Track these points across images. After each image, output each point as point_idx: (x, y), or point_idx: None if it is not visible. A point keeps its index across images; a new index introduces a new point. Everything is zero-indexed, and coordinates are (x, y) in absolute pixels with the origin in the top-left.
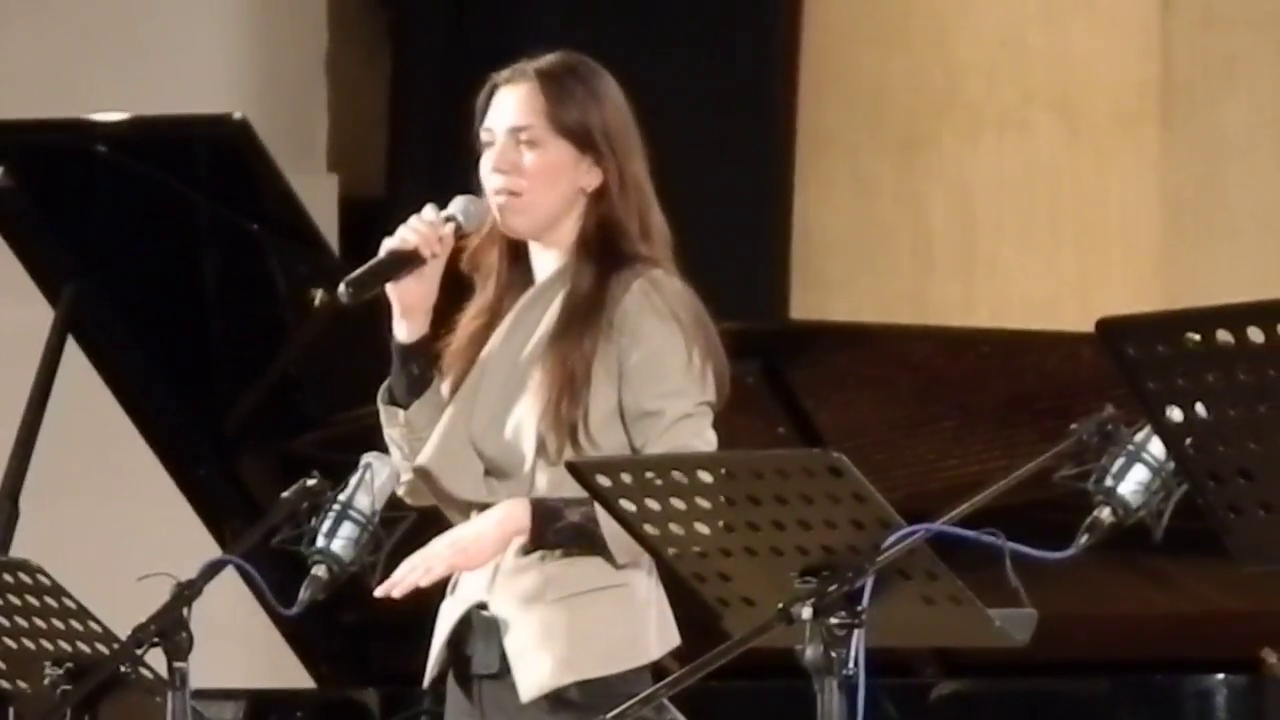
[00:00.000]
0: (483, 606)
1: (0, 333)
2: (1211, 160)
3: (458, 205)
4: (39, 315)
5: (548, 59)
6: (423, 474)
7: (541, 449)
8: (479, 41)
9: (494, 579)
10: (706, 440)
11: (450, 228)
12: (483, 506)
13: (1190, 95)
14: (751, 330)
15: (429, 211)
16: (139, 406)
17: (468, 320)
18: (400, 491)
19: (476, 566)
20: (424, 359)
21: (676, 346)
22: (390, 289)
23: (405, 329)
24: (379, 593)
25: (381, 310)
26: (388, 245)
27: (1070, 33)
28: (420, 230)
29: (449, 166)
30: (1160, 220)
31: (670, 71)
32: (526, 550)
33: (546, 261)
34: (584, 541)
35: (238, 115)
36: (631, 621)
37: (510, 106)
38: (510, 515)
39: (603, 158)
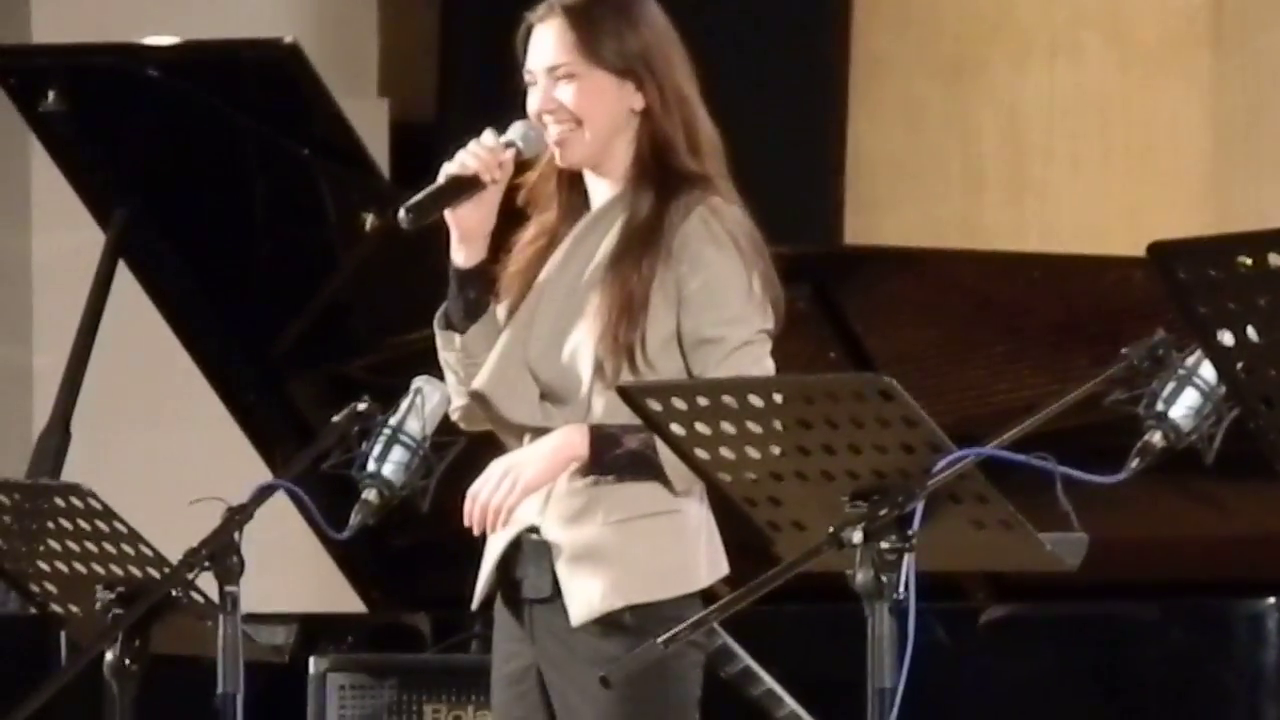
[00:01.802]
0: (533, 530)
1: (51, 257)
2: (1263, 85)
3: (517, 131)
4: (90, 240)
5: None
6: (478, 398)
7: (598, 372)
8: None
9: (546, 503)
10: (765, 368)
11: (510, 153)
12: (538, 431)
13: (1241, 20)
14: (802, 254)
15: (488, 136)
16: (189, 331)
17: (525, 244)
18: (455, 417)
19: (533, 491)
20: (481, 284)
21: (737, 274)
22: (449, 214)
23: (463, 254)
24: (472, 521)
25: (431, 234)
26: (447, 170)
27: None
28: (480, 155)
29: (500, 91)
30: (1211, 145)
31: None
32: (581, 474)
33: (603, 187)
34: (642, 468)
35: (288, 39)
36: (683, 547)
37: (545, 46)
38: (568, 441)
39: (641, 80)
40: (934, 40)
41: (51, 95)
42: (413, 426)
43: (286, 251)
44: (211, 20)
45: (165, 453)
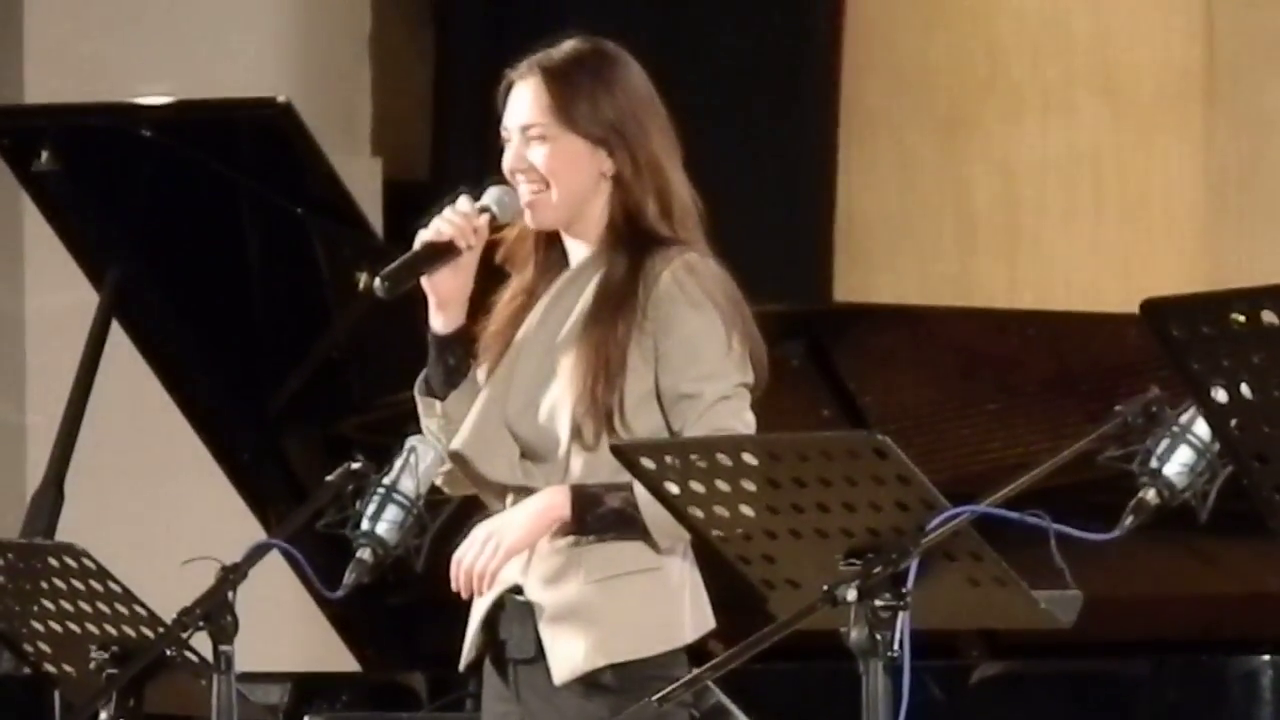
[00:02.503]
0: (517, 591)
1: (45, 317)
2: (1255, 140)
3: (492, 195)
4: (84, 299)
5: (556, 51)
6: (457, 458)
7: (577, 434)
8: (521, 22)
9: (528, 563)
10: (745, 422)
11: (485, 218)
12: (518, 490)
13: (1234, 75)
14: (795, 311)
15: (463, 202)
16: (183, 390)
17: (503, 304)
18: (439, 482)
19: (517, 554)
20: (460, 350)
21: (714, 329)
22: (425, 281)
23: (441, 320)
24: (458, 585)
25: (424, 295)
26: (422, 237)
27: (1113, 13)
28: (455, 221)
29: (493, 149)
30: (1204, 200)
31: (714, 52)
32: (563, 535)
33: (579, 247)
34: (624, 526)
35: (282, 98)
36: (665, 604)
37: (520, 105)
38: (550, 503)
39: (613, 147)
40: (926, 96)
41: (45, 155)
42: (407, 485)
43: (280, 310)
44: (205, 78)
45: (159, 512)
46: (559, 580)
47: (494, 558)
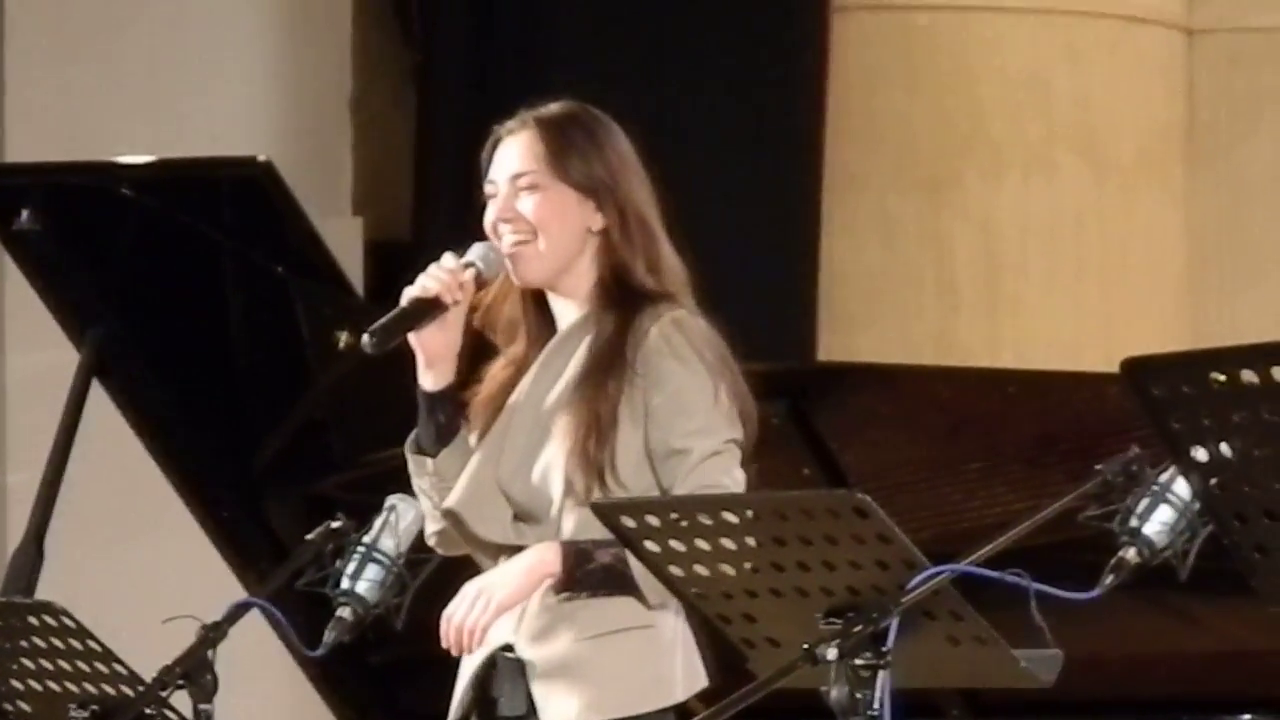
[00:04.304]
0: (508, 648)
1: (25, 376)
2: (1236, 200)
3: (477, 252)
4: (64, 358)
5: (548, 108)
6: (451, 517)
7: (569, 490)
8: (505, 83)
9: (520, 621)
10: (734, 478)
11: (470, 274)
12: (512, 549)
13: (1214, 136)
14: (777, 371)
15: (449, 259)
16: (164, 449)
17: (496, 370)
18: (431, 542)
19: (507, 610)
20: (450, 407)
21: (702, 385)
22: (413, 338)
23: (431, 378)
24: (449, 643)
25: (406, 352)
26: (409, 294)
27: (1095, 74)
28: (440, 278)
29: (475, 209)
30: (1185, 261)
31: (697, 114)
32: (555, 591)
33: (568, 309)
34: (615, 582)
35: (262, 158)
36: (658, 661)
37: (512, 155)
38: (540, 559)
39: (602, 202)
40: (907, 156)
41: (25, 214)
42: (387, 544)
43: (261, 369)
44: (186, 138)
45: (139, 570)
46: (551, 638)
47: (485, 613)
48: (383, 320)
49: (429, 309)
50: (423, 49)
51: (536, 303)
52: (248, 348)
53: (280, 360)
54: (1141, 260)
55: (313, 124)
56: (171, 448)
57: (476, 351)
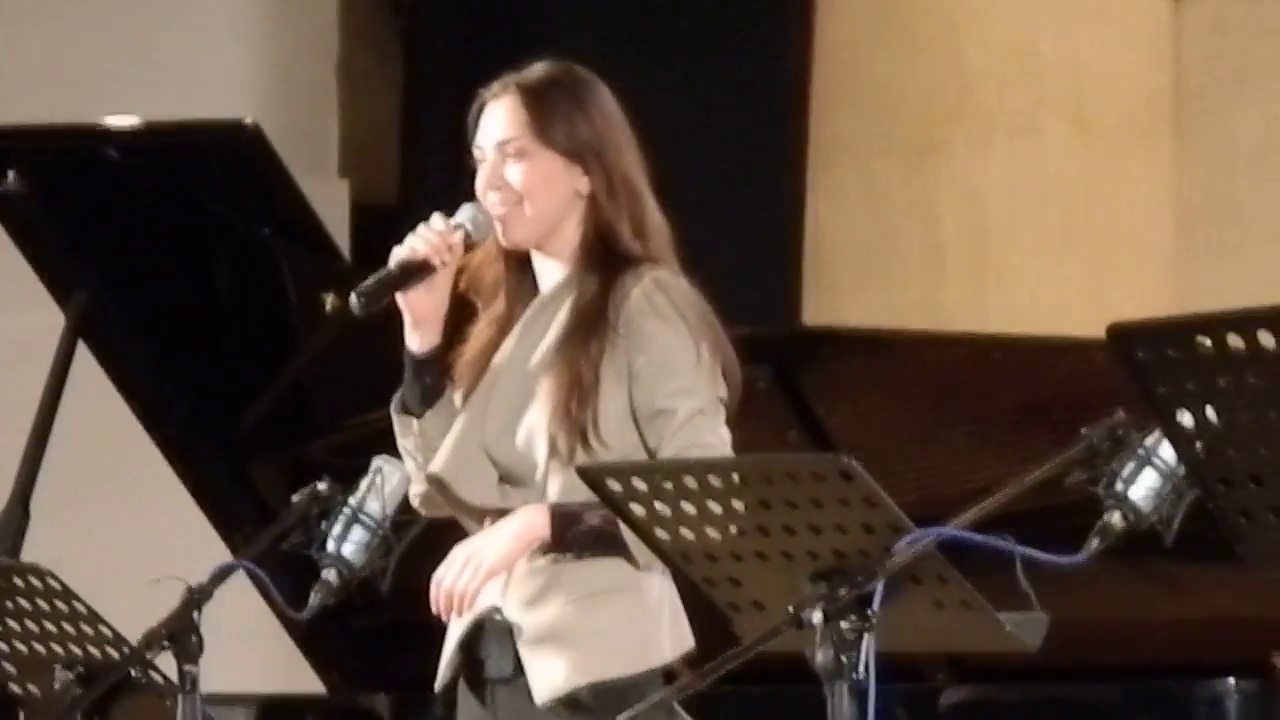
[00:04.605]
0: (496, 611)
1: (11, 338)
2: (1223, 167)
3: (466, 214)
4: (50, 320)
5: (532, 70)
6: (436, 482)
7: (554, 452)
8: (491, 45)
9: (507, 584)
10: (720, 436)
11: (459, 235)
12: (498, 513)
13: (1202, 103)
14: (763, 335)
15: (437, 220)
16: (150, 412)
17: (478, 331)
18: (415, 503)
19: (497, 574)
20: (436, 369)
21: (684, 344)
22: (401, 299)
23: (418, 339)
24: (438, 607)
25: (392, 314)
26: (397, 255)
27: (1082, 41)
28: (429, 239)
29: (462, 171)
30: (1172, 227)
31: (684, 78)
32: (543, 553)
33: (551, 270)
34: (604, 543)
35: (250, 120)
36: (644, 623)
37: (496, 121)
38: (529, 522)
39: (589, 165)
40: (895, 123)
41: (11, 176)
42: (373, 507)
43: (248, 332)
44: (173, 101)
45: (125, 533)
46: (538, 600)
47: (475, 578)
48: (370, 281)
49: (417, 271)
50: (410, 12)
51: (519, 263)
52: (234, 311)
53: (267, 323)
54: (1128, 227)
55: (300, 87)
56: (157, 411)
57: (458, 311)
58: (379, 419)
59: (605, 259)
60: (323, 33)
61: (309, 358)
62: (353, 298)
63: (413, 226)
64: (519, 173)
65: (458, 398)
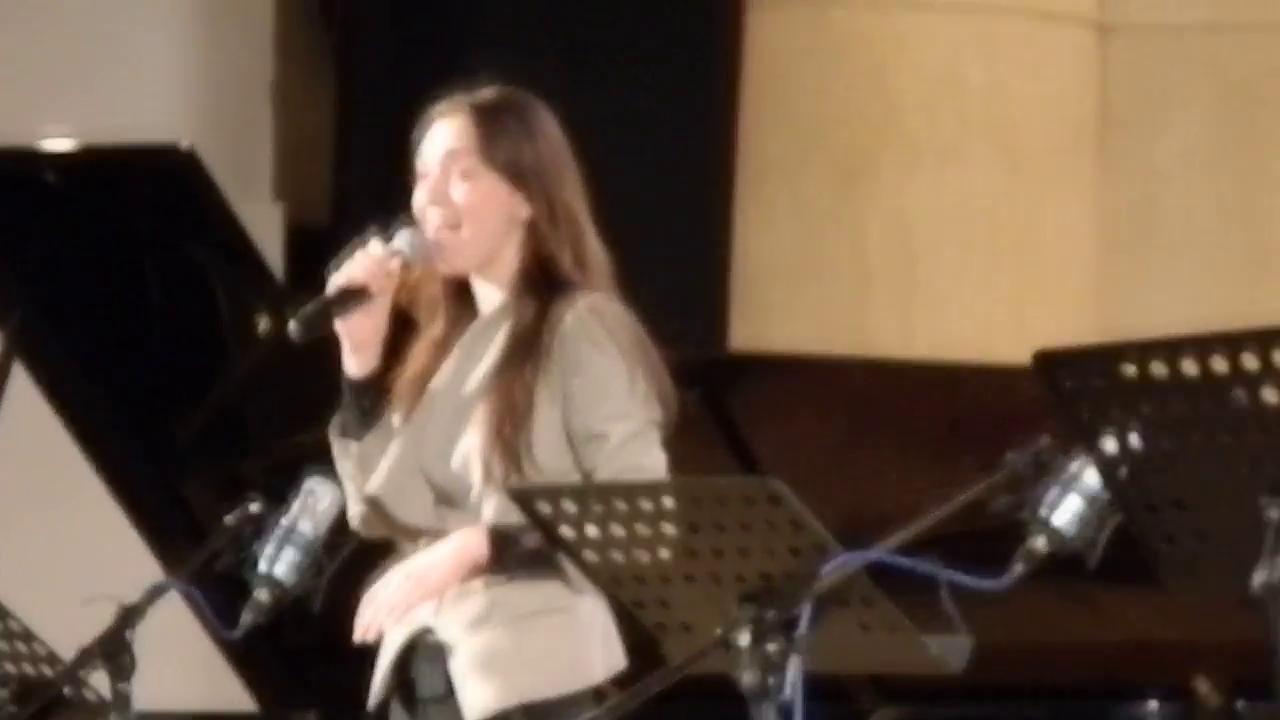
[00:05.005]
0: (428, 631)
1: None
2: (1147, 190)
3: (403, 239)
4: None
5: (483, 93)
6: (373, 503)
7: (488, 474)
8: (423, 69)
9: (440, 604)
10: (655, 459)
11: (397, 262)
12: (434, 534)
13: (1124, 127)
14: (691, 360)
15: (375, 246)
16: (85, 430)
17: (418, 352)
18: (354, 524)
19: (434, 596)
20: (374, 392)
21: (618, 369)
22: (339, 325)
23: (356, 364)
24: (358, 636)
25: (326, 336)
26: (335, 282)
27: (1008, 69)
28: (367, 266)
29: (395, 194)
30: (1095, 249)
31: (612, 100)
32: (475, 574)
33: (490, 294)
34: (542, 565)
35: (185, 144)
36: (576, 644)
37: (445, 137)
38: (466, 543)
39: (532, 192)
40: (823, 147)
41: None
42: (305, 527)
43: (182, 353)
44: (107, 122)
45: (59, 550)
46: (471, 620)
47: (411, 596)
48: (308, 308)
49: (355, 296)
50: (342, 32)
51: (458, 286)
52: (168, 331)
53: (200, 344)
54: (1053, 250)
55: (234, 110)
56: (91, 429)
57: (397, 332)
58: (312, 440)
59: (544, 285)
60: (257, 56)
61: (241, 378)
62: (291, 324)
63: (345, 248)
64: (462, 191)
65: (396, 419)
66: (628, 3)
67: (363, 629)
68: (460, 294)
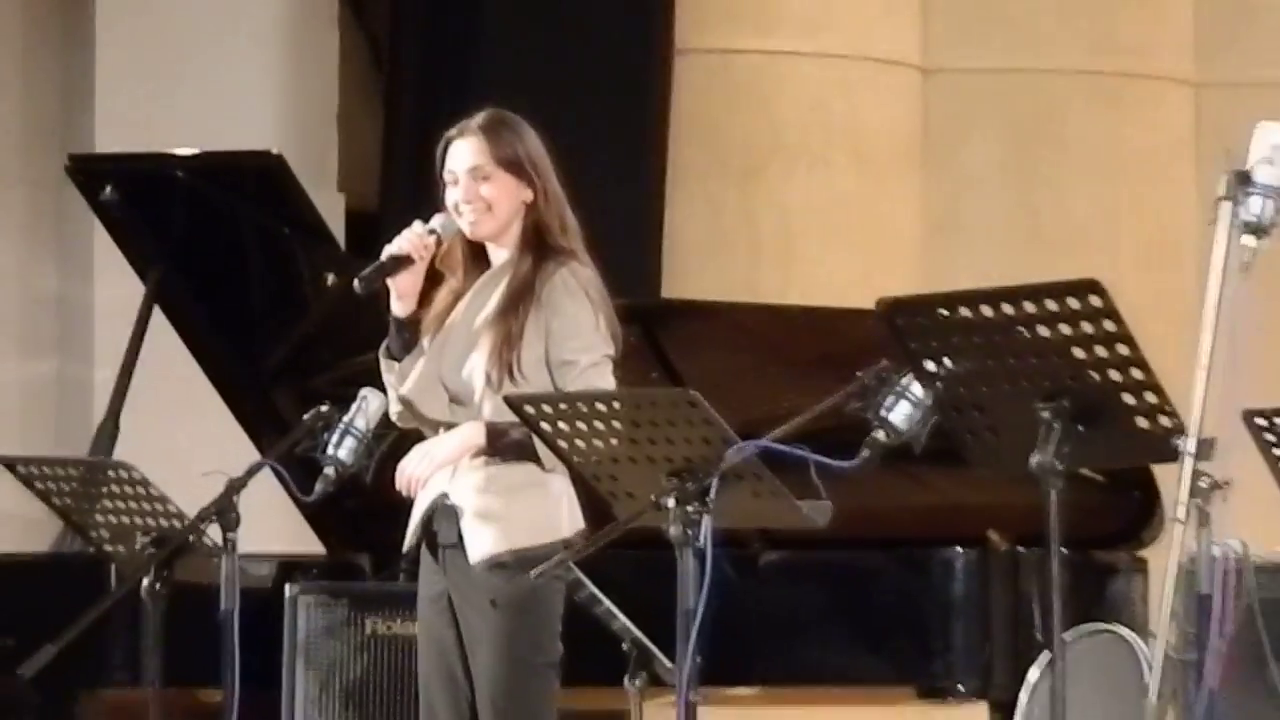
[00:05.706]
0: (445, 496)
1: (108, 302)
2: (958, 189)
3: (438, 221)
4: (135, 288)
5: (483, 116)
6: (405, 402)
7: (488, 382)
8: (444, 99)
9: (454, 477)
10: (608, 381)
11: (433, 238)
12: (448, 425)
13: (941, 141)
14: (634, 304)
15: (417, 226)
16: (204, 357)
17: (441, 296)
18: (394, 418)
19: (443, 466)
20: (412, 327)
21: (587, 315)
22: (390, 282)
23: (400, 308)
24: (401, 487)
25: (372, 294)
26: (387, 250)
27: (860, 99)
28: (411, 240)
29: (424, 189)
30: (922, 232)
31: (580, 119)
32: (477, 456)
33: (499, 253)
34: (523, 452)
35: (275, 150)
36: (549, 508)
37: (465, 153)
38: (469, 433)
39: (531, 180)
40: (727, 156)
41: (108, 189)
42: (360, 423)
43: (274, 302)
44: (221, 132)
45: (186, 440)
46: (475, 489)
47: (427, 467)
48: (368, 270)
49: (402, 262)
50: (388, 72)
51: (474, 249)
52: (264, 286)
53: (287, 295)
54: (892, 233)
55: (310, 125)
56: (209, 356)
57: (427, 285)
58: (365, 361)
59: (538, 248)
60: (327, 86)
61: (316, 319)
62: (355, 282)
63: (391, 229)
64: (488, 189)
65: (426, 342)
66: (589, 51)
67: (403, 487)
68: (475, 255)
